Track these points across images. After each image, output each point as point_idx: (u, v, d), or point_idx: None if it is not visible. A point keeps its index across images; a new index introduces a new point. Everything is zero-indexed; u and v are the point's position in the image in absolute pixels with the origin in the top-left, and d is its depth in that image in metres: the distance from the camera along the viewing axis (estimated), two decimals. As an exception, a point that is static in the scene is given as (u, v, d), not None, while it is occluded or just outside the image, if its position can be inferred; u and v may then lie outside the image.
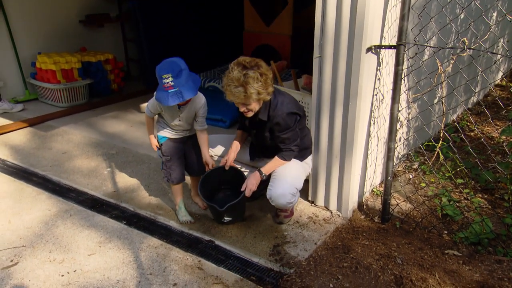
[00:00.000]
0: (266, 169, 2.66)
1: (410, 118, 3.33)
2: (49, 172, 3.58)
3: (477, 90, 4.95)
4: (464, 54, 2.45)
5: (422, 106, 3.38)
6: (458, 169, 3.36)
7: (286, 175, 2.61)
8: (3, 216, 2.94)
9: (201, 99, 2.71)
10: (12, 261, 2.49)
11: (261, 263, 2.50)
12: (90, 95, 5.57)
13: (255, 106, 2.45)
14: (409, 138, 3.46)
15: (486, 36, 3.92)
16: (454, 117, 4.54)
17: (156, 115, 2.82)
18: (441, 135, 3.14)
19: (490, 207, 2.99)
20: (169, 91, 2.43)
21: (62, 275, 2.38)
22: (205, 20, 6.55)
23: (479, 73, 4.57)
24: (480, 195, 3.13)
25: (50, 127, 4.62)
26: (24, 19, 5.31)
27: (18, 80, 5.44)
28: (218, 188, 2.91)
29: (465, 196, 3.09)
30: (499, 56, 4.99)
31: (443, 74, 2.71)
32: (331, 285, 2.30)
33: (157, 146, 2.85)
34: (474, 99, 5.09)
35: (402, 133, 3.32)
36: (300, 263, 2.49)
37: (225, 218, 2.72)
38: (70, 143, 4.21)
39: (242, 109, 2.47)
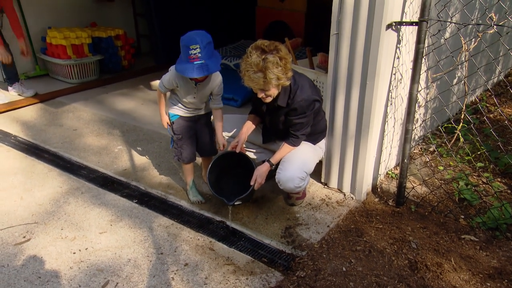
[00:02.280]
0: (275, 158, 2.59)
1: (429, 99, 3.22)
2: (60, 149, 3.56)
3: (499, 70, 4.78)
4: (491, 31, 2.32)
5: (441, 86, 3.27)
6: (477, 152, 3.26)
7: (296, 159, 2.55)
8: (15, 193, 2.94)
9: (218, 76, 2.65)
10: (24, 237, 2.50)
11: (273, 245, 2.47)
12: (101, 72, 5.52)
13: (274, 92, 2.36)
14: (427, 119, 3.35)
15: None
16: (473, 98, 4.40)
17: (169, 92, 2.76)
18: (462, 116, 3.02)
19: (509, 191, 2.90)
20: (195, 62, 2.34)
21: (74, 253, 2.38)
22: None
23: (502, 52, 4.40)
24: (500, 179, 3.04)
25: (60, 104, 4.59)
26: (34, -7, 5.24)
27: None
28: (227, 171, 2.84)
29: (484, 181, 3.01)
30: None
31: (466, 53, 2.59)
32: (343, 269, 2.27)
33: (168, 124, 2.80)
34: (495, 79, 4.93)
35: (420, 114, 3.22)
36: (313, 246, 2.45)
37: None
38: (80, 120, 4.18)
39: (260, 94, 2.38)
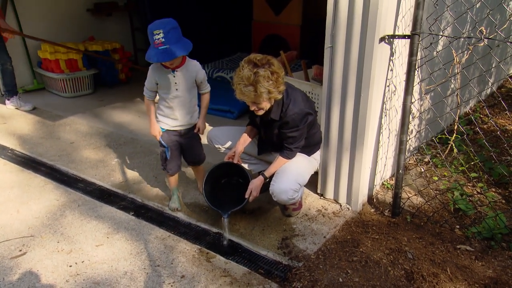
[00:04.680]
0: (269, 171, 2.61)
1: (423, 110, 3.26)
2: (57, 162, 3.57)
3: (491, 82, 4.84)
4: (481, 44, 2.37)
5: (435, 98, 3.31)
6: (471, 163, 3.29)
7: (290, 171, 2.57)
8: (11, 206, 2.93)
9: (196, 63, 2.66)
10: (20, 250, 2.49)
11: (270, 256, 2.47)
12: (98, 85, 5.55)
13: (266, 105, 2.39)
14: (421, 130, 3.39)
15: (505, 26, 3.81)
16: (467, 109, 4.45)
17: (157, 100, 2.75)
18: (455, 127, 3.06)
19: (504, 201, 2.93)
20: (159, 47, 2.35)
21: (70, 266, 2.37)
22: (213, 9, 6.48)
23: (494, 64, 4.47)
24: (494, 190, 3.07)
25: (57, 117, 4.61)
26: (32, 7, 5.28)
27: (26, 69, 5.43)
28: (222, 181, 2.86)
29: (479, 191, 3.03)
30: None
31: (458, 65, 2.63)
32: (340, 280, 2.27)
33: (159, 133, 2.77)
34: (488, 91, 4.99)
35: (414, 125, 3.26)
36: (309, 257, 2.46)
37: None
38: (77, 133, 4.19)
39: (252, 107, 2.41)
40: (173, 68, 2.54)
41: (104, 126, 4.37)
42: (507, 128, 4.13)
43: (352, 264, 2.40)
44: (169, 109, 2.68)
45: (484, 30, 2.26)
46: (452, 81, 3.40)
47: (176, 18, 2.44)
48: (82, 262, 2.40)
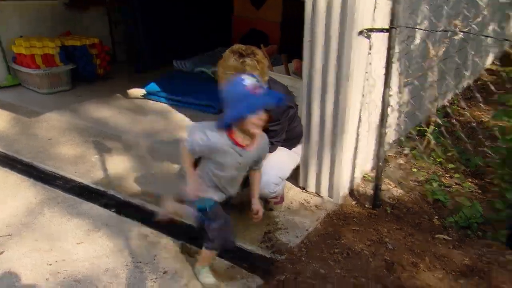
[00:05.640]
0: None
1: (402, 103, 3.31)
2: (35, 159, 3.49)
3: (467, 75, 4.94)
4: (457, 38, 2.42)
5: (413, 90, 3.36)
6: (448, 154, 3.36)
7: (270, 165, 2.56)
8: (-13, 205, 2.87)
9: (266, 139, 2.23)
10: (-2, 250, 2.44)
11: (253, 250, 2.49)
12: (76, 80, 5.44)
13: None
14: (400, 123, 3.44)
15: (479, 19, 3.89)
16: (445, 101, 4.53)
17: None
18: (432, 120, 3.12)
19: (480, 191, 3.00)
20: (261, 92, 1.88)
21: (50, 264, 2.34)
22: (194, 4, 6.42)
23: (470, 58, 4.56)
24: (471, 180, 3.15)
25: (34, 113, 4.50)
26: (7, 0, 5.14)
27: (1, 65, 5.28)
28: None
29: (456, 181, 3.10)
30: (489, 40, 4.99)
31: (434, 58, 2.68)
32: (322, 271, 2.30)
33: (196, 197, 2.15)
34: (465, 83, 5.09)
35: (393, 118, 3.30)
36: (292, 250, 2.48)
37: None
38: (55, 129, 4.11)
39: None
40: (248, 148, 2.04)
41: (83, 122, 4.30)
42: (483, 120, 4.24)
43: (334, 255, 2.43)
44: (217, 186, 2.17)
45: (458, 24, 2.30)
46: (431, 74, 3.46)
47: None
48: (63, 260, 2.37)
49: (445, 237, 2.58)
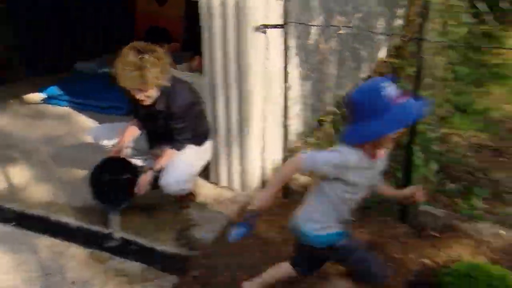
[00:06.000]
0: (158, 165, 2.58)
1: (304, 95, 3.48)
2: None
3: (366, 66, 5.32)
4: (342, 32, 2.61)
5: (315, 83, 3.55)
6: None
7: (179, 163, 2.57)
8: None
9: None
10: None
11: (166, 250, 2.47)
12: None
13: (151, 93, 2.36)
14: (305, 114, 3.61)
15: (360, 15, 4.20)
16: (346, 92, 4.84)
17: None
18: (331, 110, 3.33)
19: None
20: (401, 101, 1.56)
21: None
22: (92, 2, 6.11)
23: (369, 50, 4.92)
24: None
25: None
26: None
27: None
28: (111, 179, 2.75)
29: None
30: (381, 35, 5.41)
31: (327, 51, 2.87)
32: (236, 262, 2.36)
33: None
34: (364, 74, 5.47)
35: (298, 110, 3.46)
36: (206, 245, 2.51)
37: None
38: None
39: (138, 95, 2.36)
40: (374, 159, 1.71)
41: (-27, 132, 3.91)
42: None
43: (249, 247, 2.50)
44: (337, 217, 1.80)
45: (342, 19, 2.48)
46: (328, 67, 3.68)
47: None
48: (-46, 284, 2.16)
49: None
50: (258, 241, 2.53)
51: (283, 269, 1.98)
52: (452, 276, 1.97)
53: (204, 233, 2.60)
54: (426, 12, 1.97)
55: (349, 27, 2.35)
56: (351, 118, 1.65)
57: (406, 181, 2.54)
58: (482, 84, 4.49)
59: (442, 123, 3.62)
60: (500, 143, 3.56)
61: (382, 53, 6.29)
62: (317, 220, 1.77)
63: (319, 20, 3.22)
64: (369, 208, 2.82)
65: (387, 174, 2.26)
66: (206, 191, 3.05)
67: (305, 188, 3.06)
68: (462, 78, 4.23)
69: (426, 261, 2.38)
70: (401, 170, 2.60)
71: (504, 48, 4.97)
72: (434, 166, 2.88)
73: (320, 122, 3.72)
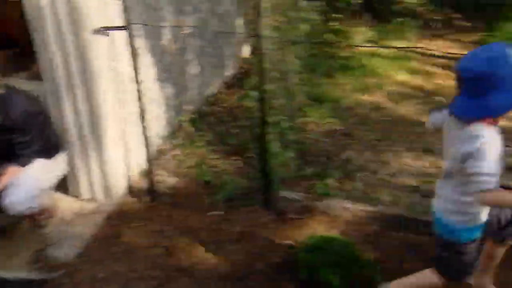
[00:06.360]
0: (2, 183, 2.33)
1: (166, 97, 3.45)
2: None
3: (230, 64, 5.46)
4: (187, 32, 2.66)
5: (176, 85, 3.54)
6: (211, 139, 3.68)
7: (23, 180, 2.36)
8: None
9: None
10: None
11: (21, 277, 2.27)
12: None
13: None
14: (169, 115, 3.59)
15: (203, 15, 4.30)
16: (213, 90, 4.92)
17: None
18: (190, 109, 3.36)
19: (242, 166, 3.39)
20: None
21: None
22: None
23: (230, 49, 5.05)
24: (235, 158, 3.52)
25: None
26: None
27: None
28: None
29: (221, 161, 3.43)
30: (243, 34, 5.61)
31: (175, 52, 2.88)
32: (101, 275, 2.28)
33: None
34: (229, 72, 5.62)
35: (162, 111, 3.42)
36: (69, 262, 2.37)
37: None
38: None
39: None
40: None
41: None
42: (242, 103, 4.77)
43: (115, 256, 2.43)
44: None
45: (184, 21, 2.52)
46: (188, 67, 3.70)
47: None
48: None
49: (217, 212, 2.84)
50: (125, 249, 2.46)
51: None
52: (305, 252, 2.15)
53: (65, 251, 2.44)
54: (259, 10, 2.10)
55: (194, 26, 2.39)
56: (476, 90, 1.47)
57: (264, 168, 2.69)
58: (332, 75, 4.93)
59: (300, 113, 3.91)
60: (349, 127, 3.97)
61: (246, 50, 6.53)
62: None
63: (169, 20, 3.21)
64: (234, 201, 2.93)
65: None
66: (66, 205, 2.85)
67: (172, 189, 3.05)
68: (314, 71, 4.61)
69: (290, 242, 2.55)
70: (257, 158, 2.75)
71: (341, 42, 5.49)
72: (291, 154, 3.09)
73: (180, 122, 3.74)
